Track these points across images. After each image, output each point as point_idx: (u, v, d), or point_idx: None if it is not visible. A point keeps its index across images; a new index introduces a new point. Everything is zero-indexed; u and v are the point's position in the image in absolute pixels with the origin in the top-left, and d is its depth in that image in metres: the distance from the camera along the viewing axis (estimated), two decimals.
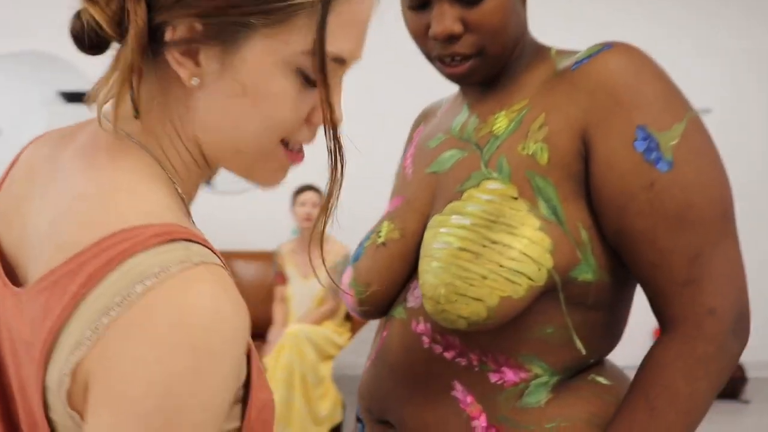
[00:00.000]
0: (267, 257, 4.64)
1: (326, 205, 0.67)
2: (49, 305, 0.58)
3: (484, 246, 0.93)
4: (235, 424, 0.65)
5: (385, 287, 1.10)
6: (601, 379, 1.01)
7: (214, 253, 0.62)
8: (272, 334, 4.13)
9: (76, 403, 0.57)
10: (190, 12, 0.61)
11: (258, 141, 0.67)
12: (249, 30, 0.62)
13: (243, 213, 4.95)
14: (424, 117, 1.26)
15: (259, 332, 4.52)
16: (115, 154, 0.65)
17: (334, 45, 0.64)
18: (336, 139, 0.66)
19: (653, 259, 0.92)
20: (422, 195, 1.10)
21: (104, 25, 0.60)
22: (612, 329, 1.01)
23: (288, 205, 4.98)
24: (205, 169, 0.71)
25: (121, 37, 0.61)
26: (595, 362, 1.03)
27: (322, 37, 0.63)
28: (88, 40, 0.62)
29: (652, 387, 0.90)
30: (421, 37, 1.01)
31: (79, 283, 0.57)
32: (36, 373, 0.58)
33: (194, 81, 0.64)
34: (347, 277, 1.14)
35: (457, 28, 0.97)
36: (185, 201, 0.69)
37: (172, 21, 0.62)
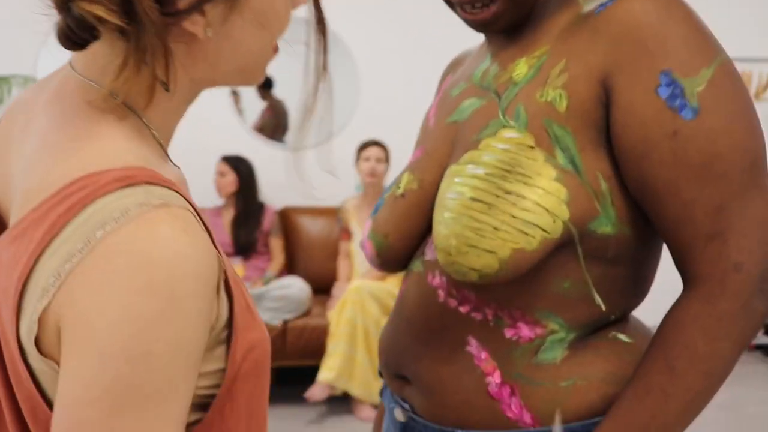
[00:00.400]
0: (332, 213, 4.66)
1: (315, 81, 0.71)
2: (18, 253, 0.59)
3: (498, 196, 0.90)
4: (219, 365, 0.65)
5: (403, 239, 1.08)
6: (623, 337, 0.97)
7: (182, 196, 0.62)
8: (336, 289, 4.16)
9: (47, 350, 0.58)
10: None
11: (264, 54, 0.71)
12: None
13: (308, 169, 4.97)
14: (452, 66, 1.22)
15: (325, 287, 4.56)
16: (80, 103, 0.64)
17: None
18: (324, 25, 0.71)
19: (676, 212, 0.87)
20: (442, 145, 1.07)
21: (113, 20, 0.58)
22: (636, 285, 0.97)
23: (352, 161, 4.98)
24: (189, 101, 0.71)
25: (129, 24, 0.60)
26: (618, 319, 0.99)
27: None
28: (82, 36, 0.61)
29: (671, 347, 0.86)
30: None
31: (43, 231, 0.57)
32: (11, 321, 0.59)
33: (208, 32, 0.65)
34: (367, 228, 1.13)
35: None
36: (162, 143, 0.69)
37: None
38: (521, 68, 0.97)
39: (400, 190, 1.10)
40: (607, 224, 0.90)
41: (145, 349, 0.55)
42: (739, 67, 5.08)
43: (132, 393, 0.55)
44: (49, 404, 0.61)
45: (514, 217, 0.89)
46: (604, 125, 0.90)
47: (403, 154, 4.77)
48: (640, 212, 0.92)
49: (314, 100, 0.70)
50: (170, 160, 0.70)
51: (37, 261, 0.57)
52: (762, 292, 0.85)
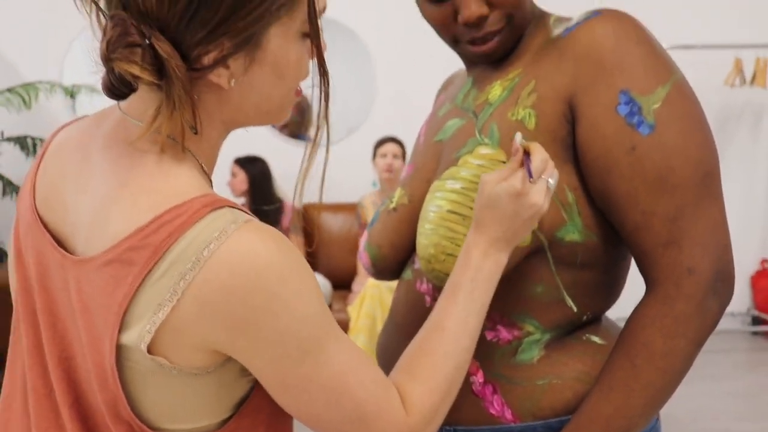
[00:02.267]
0: (351, 209, 4.74)
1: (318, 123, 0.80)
2: (119, 275, 0.69)
3: (472, 208, 0.98)
4: None
5: (394, 250, 1.17)
6: (596, 339, 1.04)
7: (243, 210, 0.74)
8: (356, 284, 4.25)
9: (157, 350, 0.71)
10: (218, 37, 0.71)
11: (284, 99, 0.80)
12: (268, 27, 0.73)
13: (328, 166, 5.06)
14: (444, 87, 1.31)
15: (345, 283, 4.65)
16: (144, 146, 0.75)
17: (319, 3, 0.78)
18: (326, 72, 0.79)
19: (636, 221, 0.94)
20: (429, 162, 1.15)
21: (146, 77, 0.69)
22: (606, 288, 1.04)
23: (369, 158, 5.06)
24: (222, 138, 0.82)
25: (160, 79, 0.70)
26: (591, 320, 1.06)
27: (313, 4, 0.75)
28: (122, 89, 0.71)
29: (632, 345, 0.93)
30: (448, 25, 1.03)
31: (145, 256, 0.68)
32: (111, 330, 0.70)
33: (232, 83, 0.74)
34: (363, 240, 1.22)
35: (485, 9, 0.99)
36: (208, 175, 0.81)
37: (204, 51, 0.71)
38: (496, 90, 1.05)
39: (393, 205, 1.19)
40: (574, 232, 0.98)
41: (301, 314, 0.71)
42: (730, 53, 5.08)
43: (313, 343, 0.72)
44: (131, 403, 0.73)
45: None
46: (570, 141, 0.97)
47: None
48: (605, 220, 1.00)
49: (313, 152, 0.79)
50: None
51: (144, 281, 0.68)
52: (715, 292, 0.92)
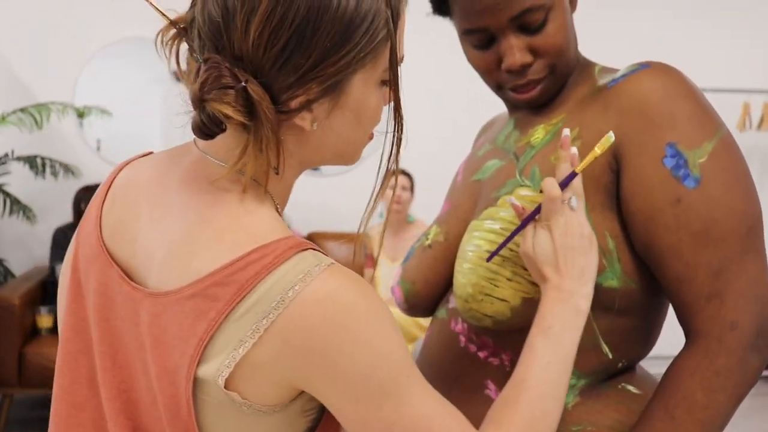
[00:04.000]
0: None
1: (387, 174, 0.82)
2: (202, 309, 0.71)
3: (511, 249, 0.99)
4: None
5: (428, 287, 1.17)
6: (631, 388, 1.04)
7: (324, 253, 0.77)
8: None
9: (236, 386, 0.72)
10: (307, 82, 0.73)
11: (359, 142, 0.83)
12: (354, 74, 0.75)
13: (335, 195, 5.07)
14: (484, 129, 1.32)
15: None
16: (225, 185, 0.77)
17: (400, 51, 0.80)
18: (401, 117, 0.81)
19: (679, 273, 0.94)
20: (466, 201, 1.16)
21: (238, 118, 0.71)
22: (642, 335, 1.04)
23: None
24: (296, 178, 0.84)
25: (250, 120, 0.72)
26: (627, 368, 1.06)
27: (395, 52, 0.77)
28: (213, 129, 0.72)
29: (671, 396, 0.93)
30: (492, 71, 1.05)
31: (230, 293, 0.70)
32: (189, 363, 0.72)
33: (314, 126, 0.77)
34: (397, 275, 1.22)
35: (528, 57, 1.01)
36: (281, 213, 0.83)
37: (293, 95, 0.73)
38: (539, 133, 1.06)
39: (428, 242, 1.19)
40: (612, 278, 0.98)
41: (380, 354, 0.72)
42: (740, 98, 5.13)
43: (393, 384, 0.73)
44: None
45: (525, 269, 0.98)
46: (613, 189, 0.98)
47: (427, 183, 4.85)
48: (645, 268, 1.00)
49: (382, 190, 0.81)
50: None
51: (227, 317, 0.70)
52: (757, 348, 0.93)
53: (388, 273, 4.17)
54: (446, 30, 3.53)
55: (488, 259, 0.98)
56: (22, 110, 4.25)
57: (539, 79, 1.03)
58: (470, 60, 1.06)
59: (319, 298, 0.70)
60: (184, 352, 0.72)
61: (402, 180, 4.21)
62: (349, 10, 0.72)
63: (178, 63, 0.76)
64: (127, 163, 0.89)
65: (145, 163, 0.87)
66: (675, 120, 0.94)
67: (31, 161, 4.34)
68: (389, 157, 0.81)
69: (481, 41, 1.03)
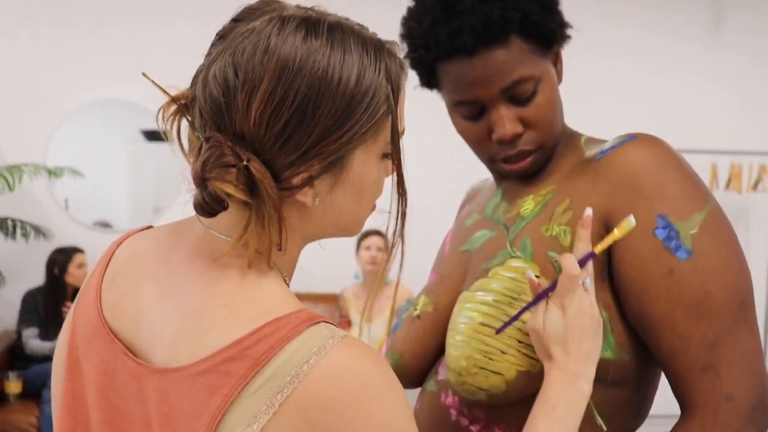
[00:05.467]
0: (332, 299, 4.71)
1: (391, 250, 0.82)
2: (215, 385, 0.70)
3: (503, 321, 0.98)
4: None
5: (416, 358, 1.15)
6: None
7: (335, 325, 0.76)
8: None
9: None
10: (309, 160, 0.73)
11: (361, 215, 0.83)
12: (355, 150, 0.76)
13: (311, 256, 5.04)
14: (469, 197, 1.32)
15: None
16: (230, 260, 0.76)
17: (401, 125, 0.80)
18: (404, 191, 0.81)
19: (672, 344, 0.94)
20: (455, 271, 1.15)
21: (240, 196, 0.71)
22: (636, 407, 1.04)
23: (353, 249, 5.05)
24: (300, 251, 0.84)
25: (252, 197, 0.72)
26: None
27: (396, 126, 0.78)
28: (215, 207, 0.72)
29: None
30: (483, 142, 1.06)
31: (244, 368, 0.69)
32: None
33: (316, 201, 0.77)
34: (384, 347, 1.20)
35: (519, 128, 1.02)
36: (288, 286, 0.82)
37: (295, 172, 0.73)
38: (528, 204, 1.07)
39: (416, 312, 1.18)
40: (606, 350, 0.98)
41: (392, 427, 0.72)
42: (733, 159, 5.23)
43: None
44: None
45: (519, 341, 0.98)
46: (605, 260, 0.99)
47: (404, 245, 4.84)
48: (638, 339, 1.00)
49: (386, 267, 0.81)
50: None
51: (240, 392, 0.69)
52: (753, 420, 0.92)
53: (363, 335, 4.13)
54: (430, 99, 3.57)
55: (498, 331, 0.97)
56: None
57: (530, 151, 1.04)
58: (460, 131, 1.07)
59: (334, 372, 0.70)
60: (195, 430, 0.71)
61: (377, 241, 4.21)
62: (350, 87, 0.72)
63: (179, 138, 0.76)
64: (126, 237, 0.88)
65: (144, 238, 0.86)
66: (664, 192, 0.95)
67: (1, 223, 4.27)
68: (394, 232, 0.81)
69: (471, 113, 1.04)
